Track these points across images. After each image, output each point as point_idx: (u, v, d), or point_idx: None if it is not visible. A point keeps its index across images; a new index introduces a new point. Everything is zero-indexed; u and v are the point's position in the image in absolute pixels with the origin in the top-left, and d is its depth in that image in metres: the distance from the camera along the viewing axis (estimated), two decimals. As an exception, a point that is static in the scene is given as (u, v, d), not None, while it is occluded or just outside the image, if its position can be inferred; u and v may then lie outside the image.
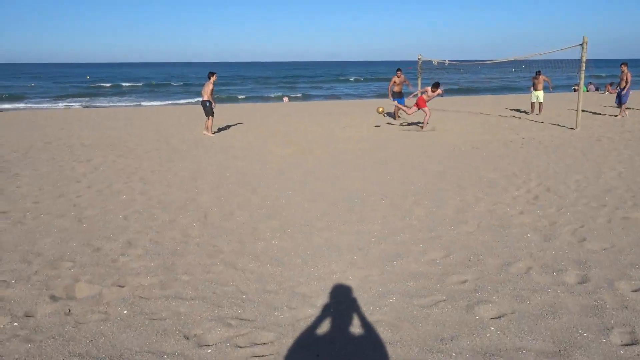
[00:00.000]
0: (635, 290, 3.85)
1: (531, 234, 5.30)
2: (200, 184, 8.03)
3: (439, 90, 14.57)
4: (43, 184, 8.06)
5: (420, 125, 14.86)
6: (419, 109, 14.50)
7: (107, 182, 8.27)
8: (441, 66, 21.10)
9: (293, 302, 3.88)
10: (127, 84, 56.23)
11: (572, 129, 13.97)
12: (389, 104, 17.36)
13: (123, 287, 4.17)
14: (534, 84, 18.32)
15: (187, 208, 6.59)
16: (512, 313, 3.59)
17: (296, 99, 36.74)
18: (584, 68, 13.93)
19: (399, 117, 17.33)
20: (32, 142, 13.21)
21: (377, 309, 3.75)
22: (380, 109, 15.78)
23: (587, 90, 36.08)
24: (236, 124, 16.61)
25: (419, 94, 14.96)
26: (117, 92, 46.13)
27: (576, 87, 37.01)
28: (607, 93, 29.97)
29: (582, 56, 13.79)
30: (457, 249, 4.91)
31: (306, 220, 6.00)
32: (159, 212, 6.38)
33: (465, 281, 4.15)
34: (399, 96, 16.67)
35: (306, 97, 38.57)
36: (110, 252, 4.97)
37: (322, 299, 3.93)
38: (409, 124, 15.52)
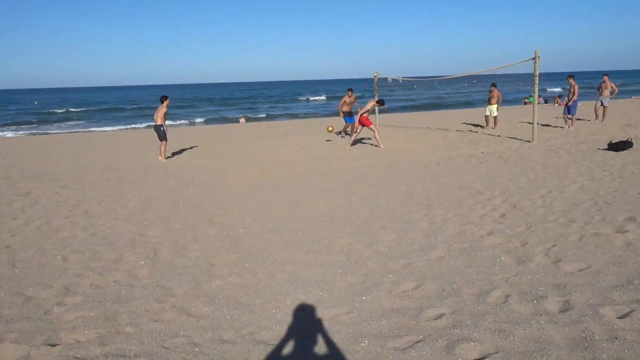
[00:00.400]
0: (622, 317, 3.59)
1: (504, 256, 5.03)
2: (150, 215, 7.45)
3: (374, 102, 14.52)
4: (-27, 223, 7.29)
5: (375, 145, 14.69)
6: (363, 126, 14.33)
7: (47, 217, 7.57)
8: (395, 83, 21.21)
9: (253, 354, 3.42)
10: (78, 109, 54.35)
11: (528, 141, 14.11)
12: (340, 122, 17.33)
13: (55, 345, 3.59)
14: (488, 98, 18.63)
15: (134, 244, 6.01)
16: (496, 352, 3.25)
17: (255, 119, 36.29)
18: (537, 81, 14.15)
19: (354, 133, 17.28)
20: (-34, 174, 12.22)
21: (349, 356, 3.33)
22: (330, 128, 16.35)
23: (537, 103, 37.31)
24: (191, 148, 16.01)
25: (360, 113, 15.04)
26: (67, 117, 44.40)
27: (526, 100, 38.17)
28: (556, 105, 30.96)
29: (534, 70, 14.01)
30: (429, 277, 4.57)
31: (267, 252, 5.55)
32: (102, 251, 5.78)
33: (441, 316, 3.80)
34: (348, 115, 16.99)
35: (265, 117, 38.17)
36: (43, 302, 4.36)
37: (287, 348, 3.48)
38: (358, 143, 15.31)
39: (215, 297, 4.35)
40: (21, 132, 31.45)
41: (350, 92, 16.83)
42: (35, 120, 41.59)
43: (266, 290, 4.47)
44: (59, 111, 52.27)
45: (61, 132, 29.90)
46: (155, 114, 13.27)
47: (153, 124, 13.42)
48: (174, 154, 14.74)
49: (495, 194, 7.91)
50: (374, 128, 14.32)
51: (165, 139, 13.31)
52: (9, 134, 29.84)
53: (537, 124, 14.44)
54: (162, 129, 13.09)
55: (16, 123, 38.77)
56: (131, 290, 4.54)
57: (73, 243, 6.14)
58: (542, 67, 14.04)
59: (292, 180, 9.85)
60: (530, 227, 5.99)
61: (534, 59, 14.00)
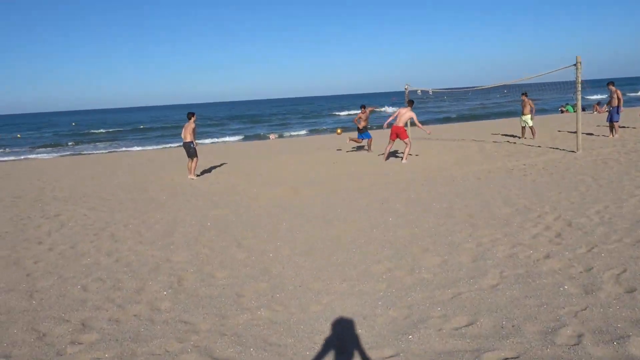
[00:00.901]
0: None
1: (567, 284, 4.42)
2: (176, 238, 7.10)
3: (410, 111, 13.87)
4: (-2, 249, 7.09)
5: (401, 156, 14.17)
6: (399, 139, 13.77)
7: (72, 241, 7.32)
8: (425, 95, 20.64)
9: (285, 407, 2.95)
10: (113, 130, 55.53)
11: (573, 151, 13.30)
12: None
13: (64, 394, 3.21)
14: (522, 108, 17.82)
15: (158, 271, 5.65)
16: (577, 410, 2.68)
17: (286, 135, 36.16)
18: (579, 89, 13.39)
19: (370, 150, 17.12)
20: (1, 197, 12.26)
21: (397, 411, 2.82)
22: (339, 130, 17.29)
23: (574, 111, 35.91)
24: (220, 165, 15.79)
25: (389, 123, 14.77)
26: (102, 138, 45.32)
27: (563, 109, 36.85)
28: (595, 113, 29.65)
29: (577, 76, 13.26)
30: (483, 311, 4.01)
31: (299, 280, 5.09)
32: (125, 279, 5.43)
33: (504, 360, 3.25)
34: (364, 131, 16.79)
35: (296, 134, 37.99)
36: (57, 340, 4.01)
37: (323, 400, 3.00)
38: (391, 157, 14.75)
39: (243, 334, 3.90)
40: (57, 154, 32.11)
41: (363, 109, 16.97)
42: (71, 141, 42.58)
43: (298, 326, 3.99)
44: (95, 132, 53.53)
45: (95, 153, 30.37)
46: (183, 131, 13.13)
47: (182, 141, 13.27)
48: (203, 172, 14.52)
49: (545, 210, 7.26)
50: (408, 142, 13.78)
51: (196, 156, 13.12)
52: (45, 155, 30.50)
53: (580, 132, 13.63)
54: (192, 145, 12.92)
55: (53, 144, 39.77)
56: (151, 327, 4.14)
57: (95, 270, 5.82)
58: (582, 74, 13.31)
59: (324, 199, 9.40)
60: (592, 248, 5.35)
61: (575, 65, 13.28)
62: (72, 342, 3.94)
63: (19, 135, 56.19)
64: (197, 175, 13.53)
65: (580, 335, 3.47)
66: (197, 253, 6.28)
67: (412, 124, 14.25)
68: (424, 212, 7.68)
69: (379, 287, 4.75)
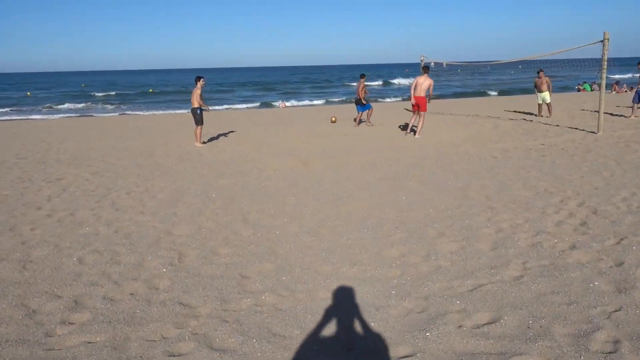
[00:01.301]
0: None
1: (597, 280, 4.08)
2: (179, 209, 6.81)
3: (428, 78, 13.19)
4: (-5, 213, 6.84)
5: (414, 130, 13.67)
6: (418, 110, 13.25)
7: (72, 207, 7.06)
8: (439, 68, 19.97)
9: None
10: (123, 92, 55.05)
11: (593, 132, 12.78)
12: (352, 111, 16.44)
13: (49, 382, 2.95)
14: (536, 85, 17.20)
15: (159, 245, 5.36)
16: None
17: (296, 104, 35.55)
18: (605, 67, 12.75)
19: (368, 122, 16.50)
20: (5, 157, 12.03)
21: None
22: (333, 119, 17.19)
23: (592, 90, 34.92)
24: (228, 133, 15.42)
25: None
26: (111, 100, 44.91)
27: (580, 87, 35.87)
28: (613, 92, 28.76)
29: (603, 54, 12.60)
30: (507, 307, 3.69)
31: (306, 262, 4.78)
32: (123, 252, 5.15)
33: (532, 366, 2.94)
34: (362, 104, 16.10)
35: (306, 102, 37.36)
36: (47, 318, 3.74)
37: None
38: (410, 131, 14.29)
39: (245, 322, 3.61)
40: (64, 114, 31.82)
41: (363, 77, 16.16)
42: (80, 102, 42.25)
43: (305, 316, 3.69)
44: (104, 93, 53.08)
45: (103, 115, 30.04)
46: (191, 96, 12.73)
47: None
48: (211, 139, 14.18)
49: (567, 195, 6.87)
50: (423, 115, 13.25)
51: (201, 123, 12.72)
52: (53, 116, 30.22)
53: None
54: (198, 111, 12.52)
55: (61, 104, 39.45)
56: (147, 308, 3.86)
57: (93, 241, 5.55)
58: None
59: (334, 173, 9.04)
60: (622, 239, 4.99)
61: (602, 41, 12.61)
62: (63, 322, 3.67)
63: (28, 94, 56.07)
64: (204, 143, 13.19)
65: (616, 342, 3.14)
66: (200, 227, 5.98)
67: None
68: (438, 192, 7.32)
69: (392, 273, 4.43)
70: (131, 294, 4.13)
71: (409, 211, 6.34)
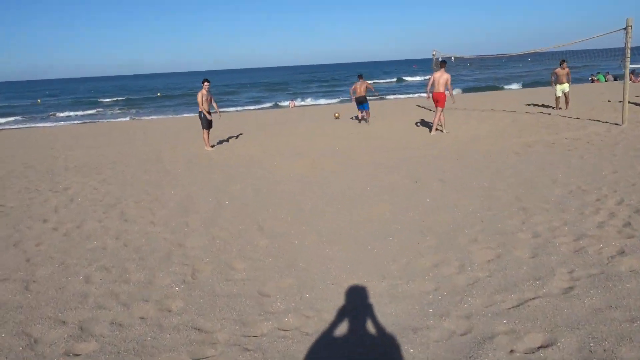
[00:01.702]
0: None
1: (657, 291, 3.65)
2: (191, 218, 6.46)
3: (445, 73, 12.67)
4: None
5: (439, 130, 13.18)
6: (437, 105, 12.77)
7: (79, 219, 6.74)
8: (447, 62, 19.47)
9: None
10: (131, 97, 55.04)
11: (617, 124, 12.25)
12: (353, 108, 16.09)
13: None
14: (557, 77, 16.51)
15: (170, 259, 5.01)
16: None
17: (307, 104, 35.17)
18: (629, 55, 12.20)
19: (364, 121, 16.31)
20: (13, 166, 11.81)
21: None
22: (337, 114, 17.42)
23: (606, 81, 34.15)
24: (238, 135, 15.08)
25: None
26: (120, 105, 44.86)
27: (594, 78, 35.10)
28: (629, 82, 28.02)
29: (626, 42, 12.06)
30: (562, 326, 3.28)
31: (330, 275, 4.40)
32: (133, 269, 4.81)
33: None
34: (362, 102, 15.96)
35: (317, 102, 36.98)
36: (49, 349, 3.40)
37: None
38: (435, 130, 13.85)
39: (268, 350, 3.23)
40: (74, 121, 31.74)
41: (360, 78, 16.15)
42: (89, 108, 42.24)
43: (334, 341, 3.31)
44: (113, 99, 53.10)
45: (112, 120, 29.91)
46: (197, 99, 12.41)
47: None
48: (221, 141, 13.85)
49: (603, 192, 6.42)
50: (440, 111, 12.77)
51: (206, 127, 12.35)
52: (61, 123, 30.14)
53: (621, 102, 12.51)
54: (201, 115, 12.18)
55: (70, 111, 39.44)
56: (159, 335, 3.50)
57: (101, 256, 5.21)
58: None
59: (350, 174, 8.65)
60: (675, 243, 4.55)
61: (625, 29, 12.07)
62: (67, 354, 3.32)
63: (38, 101, 56.38)
64: (213, 146, 12.85)
65: (696, 368, 2.73)
66: (213, 237, 5.62)
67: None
68: (463, 192, 6.90)
69: (426, 287, 4.04)
70: (141, 318, 3.77)
71: (435, 215, 5.93)
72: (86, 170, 10.59)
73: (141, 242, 5.61)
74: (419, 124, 15.03)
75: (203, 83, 12.25)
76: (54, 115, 36.88)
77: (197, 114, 12.47)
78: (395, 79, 63.78)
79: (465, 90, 38.12)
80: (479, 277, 4.13)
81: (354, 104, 16.56)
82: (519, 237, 5.00)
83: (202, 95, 12.11)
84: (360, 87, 15.84)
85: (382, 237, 5.28)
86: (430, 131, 13.11)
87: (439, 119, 12.84)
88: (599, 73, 36.22)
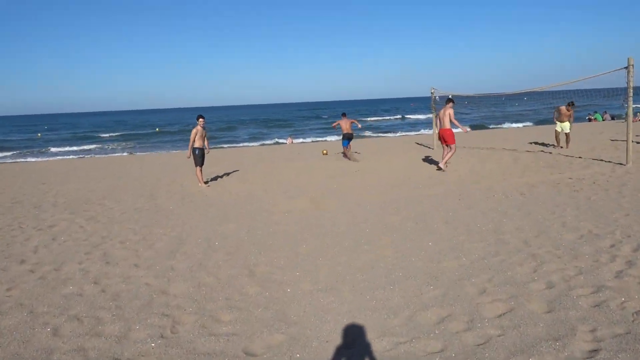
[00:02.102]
0: None
1: (695, 355, 3.22)
2: (178, 261, 6.03)
3: (451, 109, 12.42)
4: (-28, 269, 6.10)
5: (440, 170, 12.87)
6: (447, 144, 12.48)
7: (59, 260, 6.31)
8: (444, 100, 19.39)
9: None
10: (130, 132, 55.15)
11: (621, 164, 11.96)
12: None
13: None
14: (559, 115, 16.31)
15: (150, 308, 4.57)
16: None
17: (304, 141, 35.08)
18: (631, 95, 12.02)
19: (349, 158, 16.66)
20: (0, 201, 11.41)
21: None
22: (325, 151, 18.46)
23: (603, 120, 34.20)
24: (234, 171, 14.76)
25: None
26: (118, 140, 44.81)
27: (591, 117, 35.18)
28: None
29: (628, 81, 11.91)
30: (590, 399, 2.84)
31: (325, 331, 3.96)
32: (107, 319, 4.36)
33: None
34: (347, 138, 16.59)
35: (315, 139, 36.90)
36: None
37: None
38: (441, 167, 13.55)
39: None
40: (71, 155, 31.52)
41: (344, 116, 16.72)
42: (87, 143, 42.16)
43: (329, 415, 2.86)
44: (112, 134, 53.19)
45: (109, 155, 29.70)
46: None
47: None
48: (216, 177, 13.52)
49: (617, 237, 6.03)
50: (452, 147, 12.49)
51: (199, 164, 12.03)
52: (58, 157, 29.90)
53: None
54: (197, 152, 11.89)
55: (68, 145, 39.31)
56: (126, 404, 3.04)
57: (75, 304, 4.77)
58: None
59: (349, 214, 8.27)
60: None
61: (626, 68, 11.94)
62: None
63: (38, 135, 56.54)
64: (207, 182, 12.50)
65: None
66: (199, 284, 5.19)
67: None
68: (468, 235, 6.50)
69: (432, 346, 3.60)
70: (109, 382, 3.32)
71: (440, 261, 5.52)
72: (75, 207, 10.20)
73: (121, 288, 5.17)
74: (419, 162, 14.76)
75: (198, 119, 12.02)
76: (51, 149, 36.71)
77: (189, 151, 12.14)
78: (399, 116, 64.14)
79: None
80: (491, 336, 3.69)
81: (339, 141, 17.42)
82: (532, 287, 4.58)
83: (196, 132, 11.86)
84: (345, 125, 16.49)
85: (383, 286, 4.85)
86: (443, 168, 12.73)
87: (450, 154, 12.57)
88: (596, 112, 36.37)
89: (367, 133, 38.71)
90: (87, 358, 3.66)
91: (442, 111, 12.45)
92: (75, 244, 7.20)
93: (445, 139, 12.33)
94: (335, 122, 17.20)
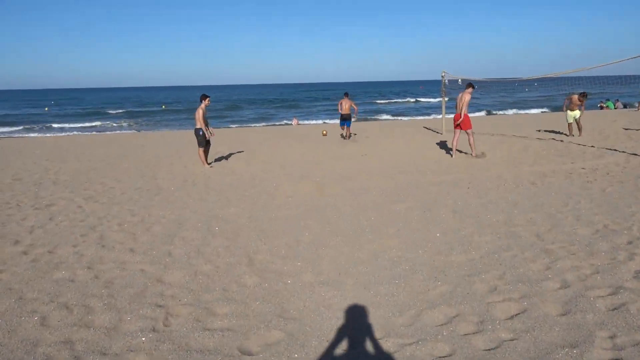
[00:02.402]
0: None
1: None
2: (175, 246, 5.83)
3: (469, 94, 12.02)
4: (-36, 249, 5.92)
5: (448, 153, 12.57)
6: (461, 129, 12.10)
7: (54, 242, 6.12)
8: (453, 84, 18.96)
9: None
10: (136, 109, 54.87)
11: (635, 154, 11.61)
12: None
13: None
14: (570, 103, 15.87)
15: (143, 297, 4.37)
16: None
17: (310, 122, 34.68)
18: (650, 83, 11.57)
19: (348, 138, 17.32)
20: (1, 177, 11.24)
21: None
22: (324, 132, 18.85)
23: (615, 108, 33.59)
24: (238, 152, 14.50)
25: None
26: (124, 117, 44.56)
27: (602, 105, 34.54)
28: (639, 110, 27.41)
29: (648, 69, 11.45)
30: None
31: (325, 328, 3.74)
32: (98, 308, 4.16)
33: None
34: (346, 119, 16.94)
35: (321, 121, 36.49)
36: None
37: None
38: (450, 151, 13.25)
39: None
40: (77, 132, 31.34)
41: (346, 96, 17.00)
42: (94, 119, 41.95)
43: None
44: (118, 111, 52.94)
45: (114, 132, 29.49)
46: (195, 115, 11.74)
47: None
48: (220, 158, 13.28)
49: (635, 233, 5.75)
50: (470, 132, 12.10)
51: (203, 145, 11.70)
52: (63, 134, 29.72)
53: (628, 129, 11.84)
54: (200, 132, 11.52)
55: (74, 122, 39.13)
56: (110, 406, 2.84)
57: (66, 290, 4.57)
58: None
59: (353, 200, 8.02)
60: None
61: (646, 55, 11.49)
62: None
63: (46, 109, 56.55)
64: (210, 165, 12.24)
65: None
66: (196, 272, 4.98)
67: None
68: (478, 227, 6.24)
69: (439, 349, 3.37)
70: (94, 379, 3.12)
71: (448, 254, 5.27)
72: (75, 185, 10.01)
73: (114, 274, 4.97)
74: (427, 146, 14.44)
75: (204, 99, 11.67)
76: (57, 125, 36.54)
77: (194, 131, 11.82)
78: (413, 100, 63.26)
79: (474, 113, 37.59)
80: (502, 340, 3.45)
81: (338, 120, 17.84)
82: (546, 286, 4.33)
83: (202, 112, 11.53)
84: (345, 105, 16.70)
85: (388, 280, 4.62)
86: (454, 153, 12.39)
87: (468, 142, 12.20)
88: (608, 100, 35.73)
89: (384, 116, 38.14)
90: (73, 351, 3.46)
91: (460, 95, 12.05)
92: (72, 224, 7.01)
93: (461, 124, 11.91)
94: (339, 103, 17.16)
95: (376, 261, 5.16)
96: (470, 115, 12.57)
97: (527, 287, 4.33)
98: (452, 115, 13.67)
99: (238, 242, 5.95)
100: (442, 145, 14.80)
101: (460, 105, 11.86)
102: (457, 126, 12.06)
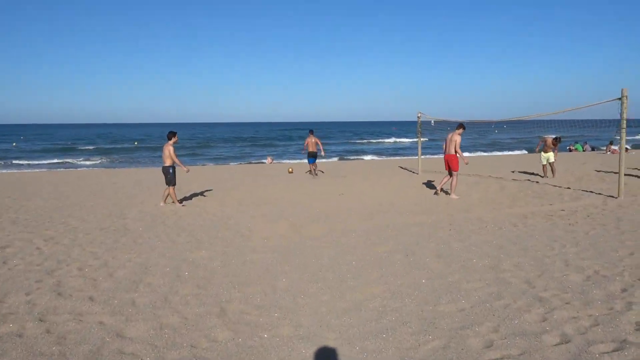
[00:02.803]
0: None
1: None
2: (140, 294, 5.31)
3: (458, 135, 12.01)
4: None
5: (434, 193, 12.42)
6: (450, 171, 12.09)
7: (4, 290, 5.53)
8: (427, 125, 19.10)
9: None
10: (108, 146, 53.87)
11: (612, 197, 11.62)
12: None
13: None
14: (544, 145, 16.14)
15: (100, 358, 3.84)
16: None
17: (285, 161, 34.44)
18: (624, 126, 11.73)
19: (315, 175, 17.97)
20: (-43, 216, 10.51)
21: None
22: (290, 169, 19.61)
23: (583, 150, 34.43)
24: (211, 191, 14.04)
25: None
26: (95, 154, 43.58)
27: (572, 148, 35.40)
28: (608, 153, 28.12)
29: (621, 112, 11.62)
30: None
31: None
32: (45, 371, 3.63)
33: None
34: (313, 156, 17.57)
35: (296, 161, 36.30)
36: None
37: None
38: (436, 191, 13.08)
39: None
40: (45, 169, 30.33)
41: (311, 133, 17.53)
42: (64, 155, 40.88)
43: None
44: (89, 147, 51.84)
45: (84, 169, 28.63)
46: (162, 153, 11.31)
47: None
48: (192, 196, 12.80)
49: (627, 280, 5.51)
50: (454, 175, 12.09)
51: (172, 184, 11.28)
52: (32, 170, 28.70)
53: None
54: (170, 170, 11.12)
55: (43, 159, 37.98)
56: None
57: (10, 348, 4.01)
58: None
59: (332, 242, 7.65)
60: None
61: (620, 99, 11.68)
62: None
63: (14, 144, 55.17)
64: (182, 202, 11.74)
65: None
66: (161, 325, 4.48)
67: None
68: (464, 273, 5.92)
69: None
70: None
71: (436, 303, 4.91)
72: (36, 225, 9.38)
73: (69, 328, 4.43)
74: (404, 186, 14.27)
75: (173, 136, 11.27)
76: (24, 161, 35.40)
77: (162, 169, 11.33)
78: (392, 140, 63.83)
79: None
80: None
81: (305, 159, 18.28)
82: (545, 341, 3.99)
83: (173, 149, 11.14)
84: (311, 142, 17.33)
85: (374, 334, 4.21)
86: (439, 192, 12.44)
87: (450, 183, 12.16)
88: (576, 142, 36.65)
89: (363, 157, 38.01)
90: None
91: (449, 136, 12.06)
92: (27, 268, 6.42)
93: (450, 165, 11.94)
94: (305, 141, 17.75)
95: (360, 311, 4.76)
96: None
97: (525, 341, 3.98)
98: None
99: (209, 290, 5.48)
100: (419, 185, 14.67)
101: (451, 146, 11.89)
102: (448, 167, 12.10)
